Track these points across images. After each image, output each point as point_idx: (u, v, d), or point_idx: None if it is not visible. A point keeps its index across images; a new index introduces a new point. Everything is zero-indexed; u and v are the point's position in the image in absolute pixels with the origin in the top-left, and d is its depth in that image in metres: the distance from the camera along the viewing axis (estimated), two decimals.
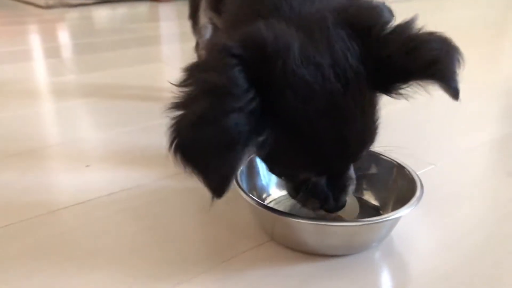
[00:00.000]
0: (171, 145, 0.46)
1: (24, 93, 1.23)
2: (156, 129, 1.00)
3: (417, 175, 0.64)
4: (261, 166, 0.70)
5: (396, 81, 0.48)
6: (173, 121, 0.46)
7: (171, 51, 1.82)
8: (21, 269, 0.56)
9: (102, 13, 2.66)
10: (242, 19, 0.55)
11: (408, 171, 0.66)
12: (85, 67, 1.52)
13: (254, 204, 0.59)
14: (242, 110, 0.43)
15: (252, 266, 0.58)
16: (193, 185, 0.76)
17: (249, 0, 0.56)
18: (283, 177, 0.60)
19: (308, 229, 0.57)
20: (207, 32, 1.08)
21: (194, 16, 1.11)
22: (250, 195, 0.61)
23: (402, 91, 0.49)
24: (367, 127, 0.50)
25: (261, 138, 0.46)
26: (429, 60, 0.45)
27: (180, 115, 0.46)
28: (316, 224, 0.57)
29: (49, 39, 1.99)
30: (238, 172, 0.64)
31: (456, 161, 0.86)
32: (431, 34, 0.48)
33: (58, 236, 0.63)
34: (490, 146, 0.93)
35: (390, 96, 0.50)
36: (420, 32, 0.48)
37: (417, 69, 0.46)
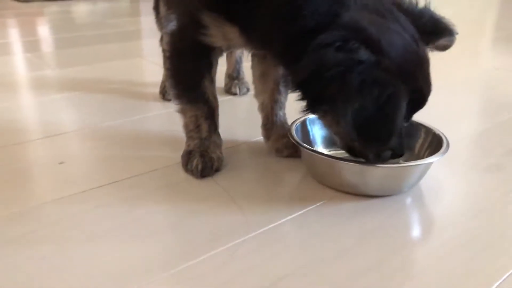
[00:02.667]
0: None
1: (2, 87, 1.21)
2: (133, 125, 0.99)
3: (443, 134, 0.77)
4: (310, 127, 0.86)
5: (429, 40, 0.67)
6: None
7: (152, 46, 1.79)
8: None
9: (82, 8, 2.63)
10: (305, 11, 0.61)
11: (435, 131, 0.79)
12: (64, 61, 1.50)
13: (310, 152, 0.74)
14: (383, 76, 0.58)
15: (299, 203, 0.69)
16: (172, 180, 0.77)
17: None
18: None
19: (353, 170, 0.69)
20: (169, 24, 1.07)
21: (156, 7, 1.10)
22: (305, 145, 0.75)
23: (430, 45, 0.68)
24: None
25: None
26: (444, 26, 0.69)
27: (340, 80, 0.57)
28: (360, 165, 0.68)
29: (29, 33, 1.95)
30: (293, 130, 0.79)
31: None
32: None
33: (31, 233, 0.61)
34: (467, 141, 0.94)
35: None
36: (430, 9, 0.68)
37: (438, 31, 0.68)
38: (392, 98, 0.58)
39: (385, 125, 0.60)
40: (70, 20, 2.33)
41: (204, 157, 0.77)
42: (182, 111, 0.80)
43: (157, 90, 1.17)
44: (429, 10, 0.68)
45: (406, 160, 0.76)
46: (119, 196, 0.71)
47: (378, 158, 0.69)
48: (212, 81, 0.79)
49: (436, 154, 0.71)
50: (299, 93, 0.63)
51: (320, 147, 0.86)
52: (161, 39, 1.15)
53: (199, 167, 0.76)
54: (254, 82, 0.89)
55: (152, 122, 1.01)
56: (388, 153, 0.69)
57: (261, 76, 0.87)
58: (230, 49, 0.80)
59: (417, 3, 0.68)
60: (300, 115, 0.82)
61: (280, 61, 0.70)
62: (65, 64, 1.45)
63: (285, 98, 0.87)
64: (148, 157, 0.84)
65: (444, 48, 0.71)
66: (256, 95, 0.90)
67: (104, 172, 0.77)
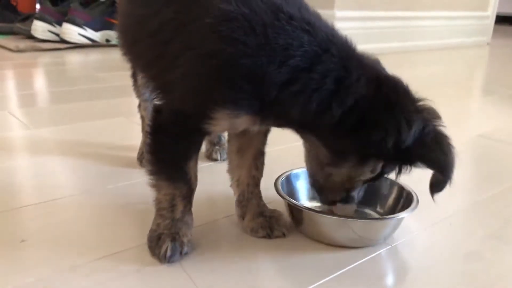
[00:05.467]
0: None
1: None
2: (104, 196, 0.95)
3: (414, 192, 0.84)
4: (294, 181, 0.92)
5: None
6: None
7: (137, 104, 1.78)
8: None
9: (75, 58, 2.64)
10: None
11: (407, 189, 0.86)
12: (45, 120, 1.48)
13: (295, 206, 0.81)
14: None
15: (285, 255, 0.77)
16: (136, 264, 0.70)
17: None
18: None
19: (333, 223, 0.77)
20: (147, 93, 1.07)
21: (134, 74, 1.10)
22: (292, 199, 0.82)
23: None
24: None
25: None
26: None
27: None
28: (340, 219, 0.77)
29: (19, 87, 1.95)
30: (279, 185, 0.85)
31: (413, 240, 0.83)
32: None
33: None
34: (449, 221, 0.90)
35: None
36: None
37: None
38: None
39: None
40: (62, 72, 2.33)
41: (174, 242, 0.72)
42: (156, 187, 0.74)
43: (135, 154, 1.14)
44: None
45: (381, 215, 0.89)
46: (75, 286, 0.66)
47: (330, 201, 0.78)
48: (197, 160, 0.75)
49: (407, 210, 0.79)
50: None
51: (305, 201, 0.92)
52: (139, 106, 1.14)
53: (168, 253, 0.71)
54: (230, 156, 0.87)
55: (124, 193, 0.97)
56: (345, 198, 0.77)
57: (238, 151, 0.85)
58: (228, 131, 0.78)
59: None
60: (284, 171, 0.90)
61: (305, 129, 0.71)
62: (45, 123, 1.43)
63: (261, 174, 0.85)
64: (114, 235, 0.80)
65: None
66: (231, 170, 0.87)
67: (62, 255, 0.73)
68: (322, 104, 0.64)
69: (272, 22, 0.63)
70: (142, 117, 1.14)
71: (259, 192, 0.85)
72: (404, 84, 0.68)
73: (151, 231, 0.75)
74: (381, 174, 0.73)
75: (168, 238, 0.73)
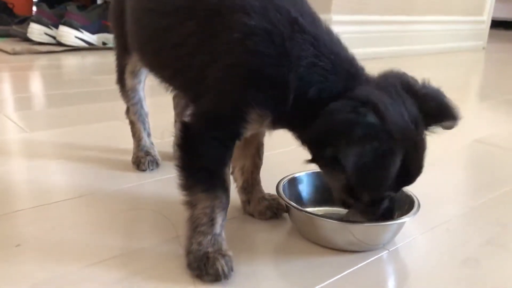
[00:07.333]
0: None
1: None
2: (100, 200, 0.94)
3: (415, 196, 0.84)
4: (297, 185, 0.92)
5: (432, 122, 0.73)
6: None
7: None
8: None
9: (71, 61, 2.63)
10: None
11: (408, 194, 0.86)
12: (42, 123, 1.47)
13: (296, 210, 0.81)
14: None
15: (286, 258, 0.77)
16: (128, 273, 0.72)
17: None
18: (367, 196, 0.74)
19: (334, 227, 0.78)
20: (136, 96, 1.07)
21: (121, 79, 1.09)
22: (293, 203, 0.82)
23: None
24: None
25: None
26: (449, 111, 0.73)
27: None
28: (341, 223, 0.78)
29: (15, 90, 1.94)
30: (281, 189, 0.85)
31: (411, 245, 0.83)
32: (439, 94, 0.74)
33: None
34: (445, 227, 0.90)
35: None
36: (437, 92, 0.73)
37: (443, 115, 0.73)
38: (389, 153, 0.64)
39: (379, 174, 0.66)
40: (58, 75, 2.32)
41: (225, 258, 0.69)
42: (192, 202, 0.71)
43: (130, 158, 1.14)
44: (438, 94, 0.74)
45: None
46: None
47: (366, 213, 0.76)
48: (230, 169, 0.76)
49: (408, 214, 0.80)
50: (307, 148, 0.73)
51: (306, 204, 0.92)
52: (127, 111, 1.13)
53: (226, 269, 0.68)
54: None
55: (120, 197, 0.97)
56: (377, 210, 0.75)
57: (240, 144, 0.86)
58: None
59: (428, 85, 0.74)
60: (286, 175, 0.91)
61: (293, 128, 0.75)
62: (41, 126, 1.43)
63: (262, 162, 0.90)
64: (109, 240, 0.79)
65: (446, 128, 0.75)
66: (233, 160, 0.87)
67: (57, 260, 0.73)
68: (305, 114, 0.69)
69: (289, 34, 0.69)
70: (132, 122, 1.13)
71: (260, 179, 0.90)
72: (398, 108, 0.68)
73: (194, 251, 0.70)
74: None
75: (219, 255, 0.69)
